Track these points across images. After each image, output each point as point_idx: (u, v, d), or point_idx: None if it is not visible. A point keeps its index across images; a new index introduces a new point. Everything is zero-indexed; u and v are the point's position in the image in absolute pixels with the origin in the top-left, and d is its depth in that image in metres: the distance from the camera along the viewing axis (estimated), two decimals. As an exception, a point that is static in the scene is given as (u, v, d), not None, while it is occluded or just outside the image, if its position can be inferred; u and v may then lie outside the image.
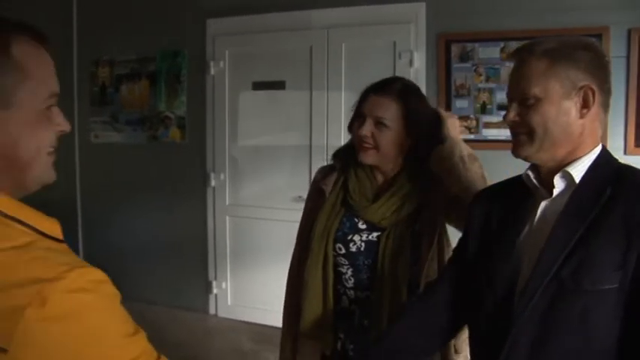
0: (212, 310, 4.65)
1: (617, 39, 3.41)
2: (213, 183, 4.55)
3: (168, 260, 4.73)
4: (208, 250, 4.63)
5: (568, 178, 1.23)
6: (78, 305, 0.74)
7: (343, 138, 4.05)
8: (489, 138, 3.69)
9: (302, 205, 4.31)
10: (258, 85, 4.39)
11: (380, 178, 1.81)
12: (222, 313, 4.62)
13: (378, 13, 3.92)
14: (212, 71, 4.45)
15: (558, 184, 1.24)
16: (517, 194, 1.34)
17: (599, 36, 3.42)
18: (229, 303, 4.61)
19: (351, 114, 1.86)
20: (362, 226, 1.79)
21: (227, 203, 4.55)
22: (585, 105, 1.21)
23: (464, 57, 3.78)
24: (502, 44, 3.69)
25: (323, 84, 4.16)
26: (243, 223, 4.52)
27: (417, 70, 3.84)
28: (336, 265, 1.80)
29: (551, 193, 1.25)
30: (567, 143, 1.23)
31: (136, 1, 4.68)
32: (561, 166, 1.24)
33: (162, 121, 4.69)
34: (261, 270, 4.43)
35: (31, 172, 0.87)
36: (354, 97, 4.18)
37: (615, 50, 3.37)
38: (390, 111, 1.72)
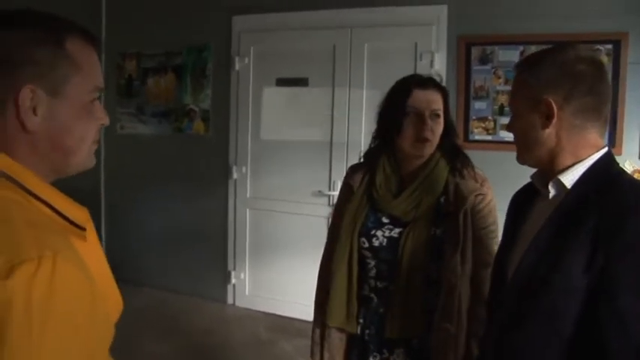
0: (230, 300, 4.77)
1: (635, 45, 3.45)
2: (235, 175, 4.65)
3: (189, 250, 4.85)
4: (228, 241, 4.74)
5: (559, 184, 1.31)
6: (23, 297, 0.72)
7: (364, 135, 4.17)
8: (506, 139, 3.75)
9: (321, 200, 4.46)
10: (282, 82, 4.49)
11: (404, 170, 1.91)
12: (239, 303, 4.74)
13: (401, 14, 4.00)
14: (237, 67, 4.55)
15: (552, 189, 1.33)
16: (531, 194, 1.46)
17: (617, 42, 3.48)
18: (247, 293, 4.72)
19: (377, 111, 1.97)
20: (385, 220, 1.89)
21: (248, 196, 4.66)
22: (547, 117, 1.29)
23: (484, 59, 3.85)
24: (522, 48, 3.75)
25: (345, 82, 4.24)
26: (263, 215, 4.63)
27: (438, 72, 3.90)
28: (361, 257, 1.92)
29: (549, 196, 1.34)
30: (543, 151, 1.32)
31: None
32: (557, 171, 1.32)
33: (187, 114, 4.81)
34: (279, 262, 4.54)
35: (74, 158, 0.96)
36: (376, 96, 4.26)
37: (633, 56, 3.41)
38: (439, 102, 1.85)
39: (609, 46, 3.54)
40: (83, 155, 0.97)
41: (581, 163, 1.30)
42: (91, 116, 0.97)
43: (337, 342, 1.97)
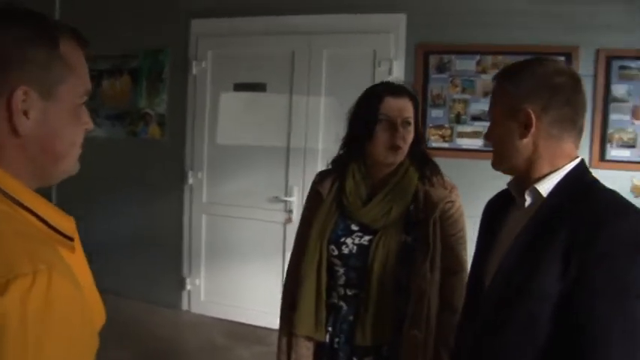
0: (185, 306, 4.69)
1: (585, 58, 3.58)
2: (190, 181, 4.59)
3: (144, 255, 4.75)
4: (183, 247, 4.67)
5: (535, 193, 1.34)
6: (18, 313, 0.70)
7: (321, 141, 4.17)
8: (463, 147, 3.81)
9: (277, 206, 4.44)
10: (239, 87, 4.45)
11: (374, 177, 1.91)
12: (195, 309, 4.67)
13: (360, 21, 4.02)
14: (194, 71, 4.50)
15: (528, 198, 1.36)
16: (506, 201, 1.48)
17: (568, 55, 3.60)
18: (202, 299, 4.65)
19: (347, 117, 1.98)
20: (355, 227, 1.89)
21: (204, 201, 4.60)
22: (526, 126, 1.32)
23: (441, 68, 3.91)
24: (478, 57, 3.83)
25: (303, 88, 4.24)
26: (218, 221, 4.58)
27: (396, 79, 3.91)
28: (330, 264, 1.90)
29: (524, 204, 1.37)
30: (519, 159, 1.35)
31: (122, -2, 4.71)
32: (533, 179, 1.35)
33: (143, 118, 4.73)
34: (235, 268, 4.50)
35: (62, 164, 0.92)
36: (334, 102, 4.32)
37: (583, 69, 3.52)
38: (410, 110, 1.86)
39: (561, 59, 3.63)
40: (71, 161, 0.94)
41: (556, 172, 1.33)
42: (79, 120, 0.94)
43: (304, 351, 1.95)
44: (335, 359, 1.90)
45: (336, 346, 1.91)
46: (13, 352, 0.69)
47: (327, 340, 1.92)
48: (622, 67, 3.56)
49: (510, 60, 3.65)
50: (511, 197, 1.46)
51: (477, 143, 3.82)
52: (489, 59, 3.81)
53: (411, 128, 1.86)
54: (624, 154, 3.56)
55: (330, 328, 1.92)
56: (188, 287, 4.66)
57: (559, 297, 1.20)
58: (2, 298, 0.68)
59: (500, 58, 3.78)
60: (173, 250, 4.68)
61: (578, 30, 3.60)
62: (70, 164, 0.94)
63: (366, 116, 1.86)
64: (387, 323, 1.83)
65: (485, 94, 3.83)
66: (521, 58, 3.61)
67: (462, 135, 3.87)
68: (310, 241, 1.90)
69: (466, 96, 3.86)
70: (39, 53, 0.85)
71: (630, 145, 3.59)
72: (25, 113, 0.84)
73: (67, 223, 0.89)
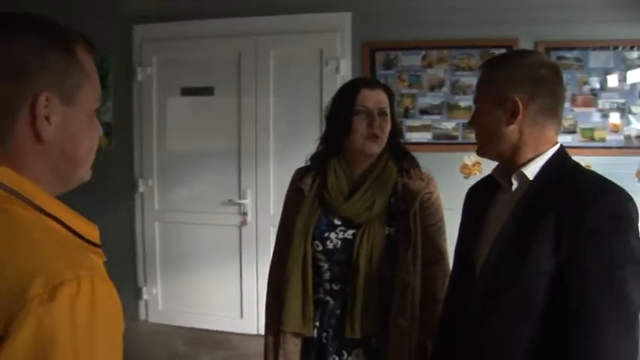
0: (142, 316, 4.61)
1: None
2: (141, 189, 4.51)
3: (96, 268, 4.63)
4: (137, 257, 4.58)
5: (522, 176, 1.42)
6: (68, 320, 0.69)
7: (272, 142, 4.17)
8: (412, 141, 3.86)
9: (231, 209, 4.41)
10: (187, 91, 4.40)
11: (355, 172, 1.94)
12: (153, 319, 4.58)
13: (305, 21, 4.04)
14: (139, 77, 4.41)
15: (515, 182, 1.43)
16: (490, 187, 1.56)
17: (509, 47, 3.70)
18: (160, 308, 4.58)
19: (325, 113, 2.01)
20: (337, 222, 1.91)
21: (156, 208, 4.52)
22: (513, 114, 1.39)
23: (388, 64, 3.96)
24: (423, 52, 3.91)
25: (251, 90, 4.23)
26: (172, 228, 4.51)
27: (344, 77, 3.97)
28: (315, 260, 1.92)
29: (512, 188, 1.45)
30: (506, 145, 1.42)
31: (60, 4, 4.58)
32: (518, 165, 1.42)
33: (88, 127, 4.60)
34: (192, 274, 4.45)
35: (81, 170, 0.92)
36: (283, 102, 4.32)
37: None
38: (385, 102, 1.90)
39: (503, 51, 3.74)
40: (87, 167, 0.93)
41: (540, 157, 1.42)
42: (94, 125, 0.93)
43: (292, 347, 1.96)
44: (324, 354, 1.91)
45: (324, 340, 1.92)
46: (65, 356, 0.68)
47: (315, 335, 1.93)
48: (559, 58, 3.70)
49: (455, 54, 3.83)
50: (495, 183, 1.53)
51: (426, 136, 3.89)
52: (434, 54, 3.89)
53: (388, 119, 1.90)
54: (566, 139, 3.68)
55: (317, 323, 1.94)
56: (145, 297, 4.58)
57: (552, 274, 1.27)
58: (52, 304, 0.68)
59: (445, 52, 3.87)
60: (127, 260, 4.58)
61: (517, 23, 3.73)
62: (86, 170, 0.94)
63: (343, 109, 1.89)
64: (374, 315, 1.85)
65: (432, 88, 3.91)
66: (465, 51, 3.75)
67: (411, 129, 3.93)
68: (294, 239, 1.91)
69: (413, 90, 3.93)
70: (59, 59, 0.85)
71: (571, 131, 3.73)
72: (47, 118, 0.83)
73: (92, 230, 0.88)
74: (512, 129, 1.40)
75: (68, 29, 0.88)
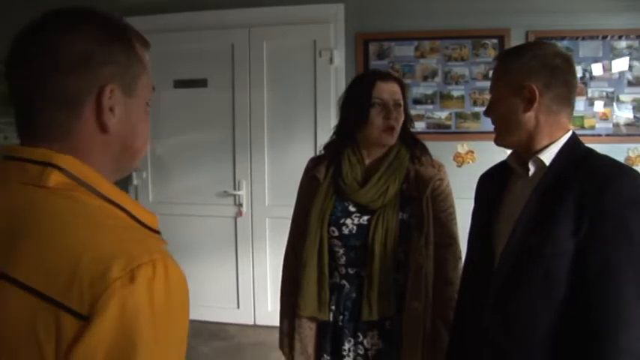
0: (138, 309, 4.62)
1: (516, 40, 3.74)
2: (135, 182, 4.50)
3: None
4: (133, 249, 4.58)
5: (539, 162, 1.48)
6: (148, 301, 0.73)
7: (266, 132, 4.19)
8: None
9: (227, 200, 4.42)
10: (180, 83, 4.40)
11: (368, 160, 1.99)
12: (149, 311, 4.59)
13: (299, 12, 4.06)
14: (132, 69, 4.40)
15: (532, 167, 1.49)
16: (503, 174, 1.62)
17: (501, 37, 3.77)
18: (156, 300, 4.59)
19: (339, 105, 2.06)
20: (352, 209, 1.96)
21: (150, 201, 4.52)
22: (529, 101, 1.45)
23: (381, 55, 3.99)
24: (416, 43, 3.95)
25: (245, 81, 4.25)
26: (167, 220, 4.50)
27: (337, 68, 4.02)
28: (330, 245, 1.97)
29: (528, 174, 1.50)
30: (523, 132, 1.49)
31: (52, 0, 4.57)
32: (534, 151, 1.49)
33: (82, 120, 4.60)
34: (189, 266, 4.39)
35: (137, 159, 0.94)
36: (277, 93, 4.34)
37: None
38: (399, 93, 1.96)
39: (495, 41, 3.81)
40: (142, 157, 0.96)
41: (555, 144, 1.48)
42: (148, 117, 0.95)
43: (308, 331, 2.01)
44: (340, 336, 1.97)
45: (340, 323, 1.97)
46: (146, 337, 0.71)
47: (331, 318, 1.98)
48: (550, 47, 3.74)
49: (447, 44, 3.87)
50: (507, 170, 1.60)
51: (420, 126, 3.93)
52: (427, 44, 3.93)
53: (402, 110, 1.96)
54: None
55: (333, 307, 1.98)
56: (141, 289, 4.58)
57: (574, 252, 1.34)
58: (133, 286, 0.71)
59: (437, 42, 3.91)
60: (122, 252, 4.58)
61: (509, 14, 3.79)
62: (139, 160, 0.96)
63: (359, 102, 1.93)
64: (390, 298, 1.91)
65: (425, 78, 3.95)
66: (457, 41, 3.80)
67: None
68: (310, 225, 1.96)
69: (407, 80, 3.95)
70: (121, 52, 0.87)
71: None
72: (111, 110, 0.86)
73: (152, 218, 0.89)
74: (529, 116, 1.47)
75: (125, 24, 0.91)
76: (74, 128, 0.85)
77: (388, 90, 1.93)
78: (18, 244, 0.76)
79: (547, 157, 1.47)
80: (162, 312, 0.74)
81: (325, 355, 2.00)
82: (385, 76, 1.97)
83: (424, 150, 2.02)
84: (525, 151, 1.52)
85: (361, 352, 1.96)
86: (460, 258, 1.95)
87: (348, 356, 1.96)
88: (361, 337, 1.96)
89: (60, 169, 0.82)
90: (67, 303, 0.70)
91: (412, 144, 2.01)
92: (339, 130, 2.05)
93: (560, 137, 1.48)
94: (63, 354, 0.70)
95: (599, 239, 1.32)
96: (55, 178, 0.81)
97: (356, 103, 1.95)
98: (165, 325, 0.75)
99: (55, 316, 0.70)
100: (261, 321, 4.35)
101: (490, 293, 1.49)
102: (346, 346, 1.96)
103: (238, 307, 4.41)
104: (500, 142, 1.56)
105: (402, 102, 1.96)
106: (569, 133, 1.50)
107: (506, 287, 1.46)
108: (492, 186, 1.65)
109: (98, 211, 0.82)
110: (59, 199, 0.80)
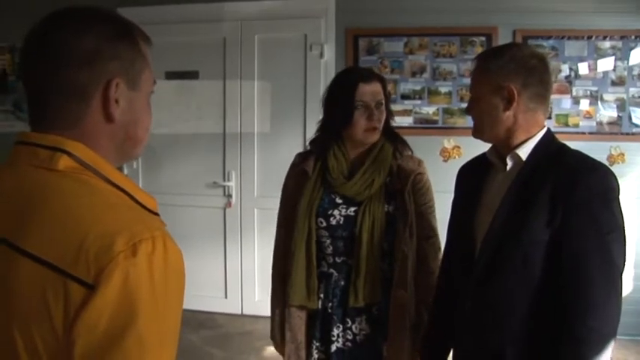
0: (127, 297, 4.65)
1: (504, 38, 3.84)
2: (125, 171, 4.52)
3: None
4: (122, 239, 4.60)
5: (516, 157, 1.57)
6: (148, 273, 0.80)
7: (257, 125, 4.24)
8: (393, 125, 3.96)
9: (216, 191, 4.46)
10: (172, 75, 4.41)
11: (353, 154, 2.06)
12: (137, 300, 4.63)
13: (290, 7, 4.11)
14: (124, 60, 4.42)
15: (509, 162, 1.58)
16: (483, 167, 1.71)
17: (489, 35, 3.84)
18: (144, 289, 4.62)
19: (322, 103, 2.10)
20: (339, 200, 2.03)
21: (140, 191, 4.55)
22: (509, 100, 1.53)
23: (370, 50, 4.06)
24: (405, 39, 4.02)
25: (236, 74, 4.29)
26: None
27: (327, 62, 4.08)
28: (318, 236, 2.04)
29: (506, 168, 1.60)
30: (502, 129, 1.57)
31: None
32: (512, 146, 1.58)
33: (72, 110, 4.60)
34: (178, 256, 4.49)
35: (139, 148, 1.01)
36: (267, 87, 4.38)
37: (503, 47, 3.76)
38: (381, 93, 2.01)
39: (483, 39, 3.88)
40: (144, 145, 1.02)
41: (532, 139, 1.57)
42: (150, 108, 1.01)
43: (297, 320, 2.07)
44: (329, 322, 2.04)
45: (329, 310, 2.04)
46: (147, 310, 0.79)
47: (320, 306, 2.05)
48: (536, 46, 3.81)
49: (436, 41, 3.93)
50: (487, 164, 1.68)
51: (408, 121, 4.01)
52: (416, 41, 4.00)
53: (383, 108, 2.02)
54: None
55: (321, 295, 2.05)
56: (129, 278, 4.61)
57: (548, 242, 1.45)
58: (135, 259, 0.78)
59: (426, 39, 3.97)
60: (111, 241, 4.60)
61: (497, 12, 3.88)
62: (142, 149, 1.03)
63: (342, 104, 1.99)
64: (376, 285, 1.98)
65: (414, 74, 4.02)
66: (445, 39, 3.87)
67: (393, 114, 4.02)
68: (299, 217, 2.03)
69: (395, 76, 4.03)
70: (126, 48, 0.93)
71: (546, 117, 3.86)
72: (117, 101, 0.92)
73: (151, 201, 0.96)
74: (508, 115, 1.55)
75: (129, 22, 0.98)
76: (82, 117, 0.91)
77: (370, 91, 1.98)
78: (29, 220, 0.83)
79: (524, 152, 1.56)
80: (160, 282, 0.81)
81: (315, 342, 2.07)
82: (367, 77, 2.01)
83: (405, 145, 2.09)
84: (503, 146, 1.60)
85: (350, 337, 2.03)
86: (440, 249, 2.03)
87: (337, 341, 2.03)
88: (350, 323, 2.03)
89: (69, 154, 0.89)
90: (75, 273, 0.77)
91: (394, 139, 2.08)
92: (325, 127, 2.10)
93: (536, 133, 1.57)
94: (71, 319, 0.77)
95: (571, 230, 1.42)
96: (64, 162, 0.88)
97: (339, 106, 2.00)
98: (163, 294, 0.81)
99: (64, 285, 0.77)
100: (248, 311, 4.41)
101: (471, 280, 1.58)
102: (335, 332, 2.03)
103: (226, 296, 4.47)
104: (479, 135, 1.64)
105: (383, 101, 2.01)
106: (545, 130, 1.59)
107: (487, 274, 1.55)
108: (472, 178, 1.74)
109: (104, 193, 0.88)
110: (68, 181, 0.87)
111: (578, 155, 1.55)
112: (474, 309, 1.59)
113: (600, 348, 1.40)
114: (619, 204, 1.46)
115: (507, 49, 1.61)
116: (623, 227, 1.46)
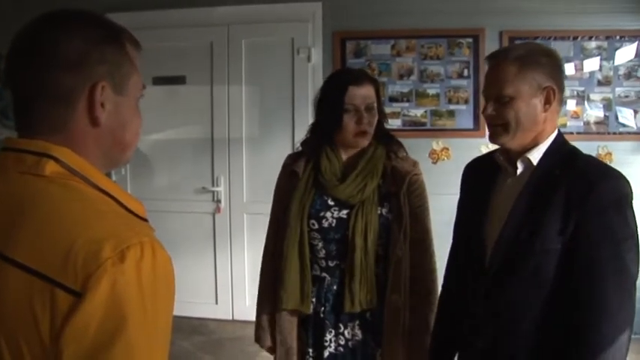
0: (117, 305, 4.61)
1: (491, 39, 3.87)
2: (113, 178, 4.50)
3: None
4: (110, 246, 4.57)
5: (527, 162, 1.54)
6: (136, 279, 0.78)
7: (245, 129, 4.23)
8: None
9: (205, 197, 4.43)
10: (159, 80, 4.38)
11: (345, 157, 2.03)
12: (127, 307, 4.60)
13: (277, 11, 4.10)
14: (110, 66, 4.39)
15: (520, 166, 1.55)
16: (490, 169, 1.66)
17: (476, 36, 3.85)
18: (134, 296, 4.59)
19: (314, 105, 2.08)
20: (331, 202, 2.00)
21: (129, 197, 4.53)
22: (547, 102, 1.50)
23: (358, 53, 4.06)
24: (392, 42, 4.03)
25: (224, 79, 4.28)
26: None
27: (315, 66, 4.07)
28: (310, 239, 2.00)
29: (516, 172, 1.56)
30: (533, 132, 1.53)
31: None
32: (525, 151, 1.53)
33: (59, 117, 4.57)
34: (167, 262, 4.47)
35: (127, 153, 0.99)
36: (255, 91, 4.37)
37: (489, 49, 3.75)
38: (372, 96, 1.97)
39: (470, 40, 3.90)
40: (133, 151, 1.01)
41: (544, 143, 1.54)
42: (139, 113, 1.00)
43: (288, 324, 2.03)
44: (322, 327, 2.00)
45: (322, 315, 2.00)
46: (136, 315, 0.78)
47: (312, 311, 2.01)
48: (523, 47, 3.83)
49: (423, 43, 3.93)
50: (495, 164, 1.64)
51: (396, 123, 4.01)
52: (403, 43, 4.00)
53: (375, 112, 1.98)
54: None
55: (314, 299, 2.02)
56: (119, 285, 4.58)
57: (561, 250, 1.43)
58: (123, 265, 0.77)
59: (413, 41, 3.98)
60: (100, 249, 4.57)
61: (483, 14, 3.89)
62: (131, 154, 1.01)
63: (332, 106, 1.96)
64: (372, 290, 1.95)
65: (401, 77, 4.02)
66: (433, 40, 3.88)
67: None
68: (290, 219, 1.99)
69: (383, 79, 4.03)
70: (113, 52, 0.92)
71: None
72: (102, 105, 0.90)
73: (139, 207, 0.94)
74: (544, 116, 1.51)
75: (118, 26, 0.96)
76: (68, 122, 0.90)
77: (360, 95, 1.94)
78: (16, 227, 0.82)
79: (535, 156, 1.53)
80: (148, 289, 0.79)
81: (307, 348, 2.03)
82: (358, 80, 1.97)
83: (400, 146, 2.06)
84: (519, 150, 1.55)
85: (342, 342, 2.00)
86: (433, 252, 2.00)
87: (330, 347, 2.00)
88: (342, 328, 2.00)
89: (56, 159, 0.87)
90: (62, 280, 0.76)
91: (388, 141, 2.05)
92: (316, 128, 2.08)
93: (548, 137, 1.54)
94: (57, 328, 0.75)
95: (585, 239, 1.41)
96: (50, 168, 0.87)
97: (329, 109, 1.98)
98: (152, 300, 0.80)
99: (51, 293, 0.76)
100: (239, 316, 4.39)
101: (481, 286, 1.57)
102: (327, 337, 2.00)
103: (217, 302, 4.45)
104: (504, 139, 1.54)
105: (374, 104, 1.98)
106: (556, 132, 1.56)
107: (498, 280, 1.53)
108: (480, 180, 1.69)
109: (91, 199, 0.87)
110: (55, 187, 0.86)
111: (591, 160, 1.54)
112: (485, 315, 1.57)
113: (614, 355, 1.40)
114: (632, 210, 1.45)
115: (541, 49, 1.57)
116: (637, 234, 1.44)
